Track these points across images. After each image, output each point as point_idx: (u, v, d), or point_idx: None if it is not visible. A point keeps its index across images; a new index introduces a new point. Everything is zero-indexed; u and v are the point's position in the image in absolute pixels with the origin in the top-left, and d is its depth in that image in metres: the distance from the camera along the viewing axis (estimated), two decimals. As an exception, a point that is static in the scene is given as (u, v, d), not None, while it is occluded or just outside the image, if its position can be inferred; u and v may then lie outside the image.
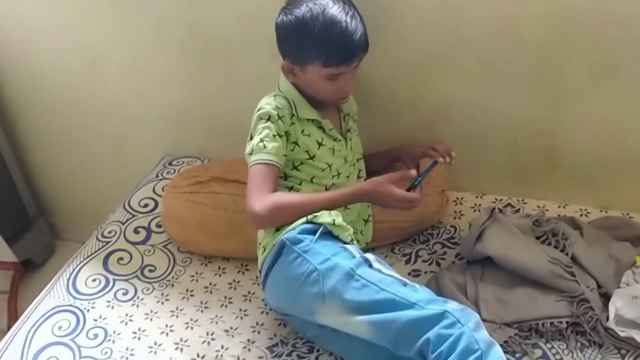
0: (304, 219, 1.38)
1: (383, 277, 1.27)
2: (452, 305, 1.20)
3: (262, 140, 1.42)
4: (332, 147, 1.52)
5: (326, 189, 1.51)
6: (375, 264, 1.30)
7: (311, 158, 1.49)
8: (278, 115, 1.44)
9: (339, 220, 1.38)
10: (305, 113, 1.49)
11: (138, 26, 1.91)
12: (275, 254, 1.40)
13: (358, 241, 1.49)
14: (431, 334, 1.16)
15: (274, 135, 1.43)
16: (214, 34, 1.83)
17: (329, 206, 1.40)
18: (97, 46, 1.99)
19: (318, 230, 1.36)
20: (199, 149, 2.08)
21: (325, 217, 1.38)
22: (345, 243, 1.37)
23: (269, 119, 1.43)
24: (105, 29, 1.95)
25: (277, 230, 1.42)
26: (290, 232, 1.37)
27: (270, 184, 1.41)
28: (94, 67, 2.03)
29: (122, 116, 2.13)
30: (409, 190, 1.45)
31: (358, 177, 1.61)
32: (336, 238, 1.38)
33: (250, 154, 1.43)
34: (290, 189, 1.50)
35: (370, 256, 1.32)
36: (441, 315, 1.17)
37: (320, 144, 1.50)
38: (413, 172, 1.44)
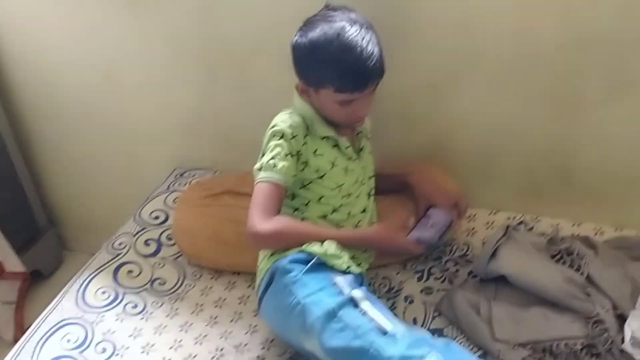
0: (295, 249, 1.37)
1: (364, 322, 1.22)
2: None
3: (273, 158, 1.40)
4: (346, 166, 1.50)
5: (334, 210, 1.49)
6: (363, 304, 1.26)
7: (321, 177, 1.48)
8: (292, 134, 1.42)
9: (332, 249, 1.36)
10: (321, 130, 1.47)
11: (153, 39, 1.92)
12: (267, 280, 1.39)
13: (359, 264, 1.46)
14: None
15: (286, 155, 1.41)
16: (228, 46, 1.83)
17: (347, 241, 1.41)
18: (112, 59, 2.00)
19: (310, 259, 1.34)
20: (211, 161, 2.07)
21: (316, 247, 1.36)
22: (342, 271, 1.35)
23: (282, 137, 1.42)
24: (120, 43, 1.96)
25: (272, 255, 1.42)
26: (282, 260, 1.37)
27: (276, 204, 1.40)
28: (108, 79, 2.05)
29: (134, 127, 2.13)
30: (422, 240, 1.46)
31: (369, 195, 1.59)
32: (330, 267, 1.35)
33: (260, 169, 1.42)
34: (296, 209, 1.49)
35: (358, 293, 1.28)
36: None
37: (333, 164, 1.48)
38: (411, 221, 1.47)
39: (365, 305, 1.26)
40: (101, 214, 2.40)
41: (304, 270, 1.32)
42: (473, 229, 1.74)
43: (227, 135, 2.01)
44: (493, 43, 1.58)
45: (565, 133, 1.65)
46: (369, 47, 1.36)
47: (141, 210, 1.90)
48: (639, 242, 1.59)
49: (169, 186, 1.99)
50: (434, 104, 1.73)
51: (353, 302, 1.26)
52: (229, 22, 1.79)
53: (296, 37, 1.42)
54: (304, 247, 1.36)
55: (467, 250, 1.67)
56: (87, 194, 2.40)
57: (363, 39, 1.35)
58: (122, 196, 2.28)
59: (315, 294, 1.28)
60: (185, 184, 1.97)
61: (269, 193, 1.40)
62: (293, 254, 1.37)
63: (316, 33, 1.37)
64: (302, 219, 1.48)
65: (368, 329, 1.21)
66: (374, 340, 1.19)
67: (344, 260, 1.37)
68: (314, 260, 1.33)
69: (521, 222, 1.72)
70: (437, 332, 1.45)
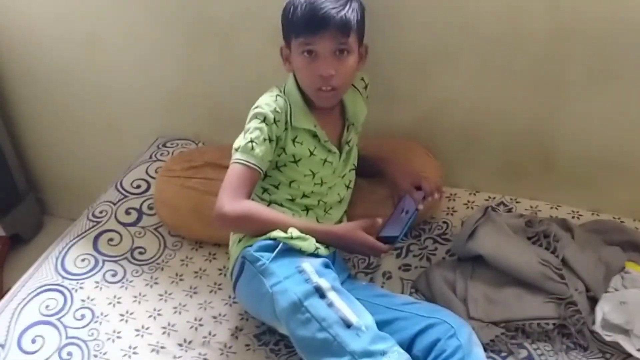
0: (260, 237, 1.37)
1: (329, 314, 1.22)
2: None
3: (251, 141, 1.39)
4: (325, 158, 1.48)
5: (304, 195, 1.49)
6: (329, 294, 1.25)
7: (296, 162, 1.46)
8: (274, 119, 1.40)
9: (297, 232, 1.36)
10: (301, 121, 1.44)
11: (135, 5, 1.89)
12: (239, 268, 1.40)
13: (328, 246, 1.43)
14: None
15: (265, 139, 1.39)
16: (212, 13, 1.81)
17: (307, 231, 1.39)
18: (94, 24, 1.98)
19: (277, 246, 1.34)
20: (194, 131, 2.06)
21: (281, 232, 1.35)
22: (311, 254, 1.35)
23: (264, 120, 1.40)
24: (102, 7, 1.93)
25: (240, 240, 1.43)
26: (249, 248, 1.37)
27: (247, 188, 1.40)
28: (89, 44, 2.02)
29: (117, 94, 2.11)
30: (387, 238, 1.43)
31: (348, 187, 1.58)
32: (298, 251, 1.35)
33: (237, 149, 1.40)
34: (266, 190, 1.49)
35: (324, 283, 1.26)
36: None
37: (311, 153, 1.46)
38: (379, 220, 1.41)
39: (332, 295, 1.25)
40: (82, 179, 2.38)
41: (271, 258, 1.33)
42: (453, 208, 1.76)
43: (210, 107, 2.00)
44: (480, 24, 1.58)
45: (547, 117, 1.67)
46: (338, 0, 1.35)
47: (123, 178, 1.88)
48: (614, 226, 1.62)
49: (151, 155, 1.97)
50: (418, 83, 1.73)
51: (319, 292, 1.25)
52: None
53: None
54: (269, 233, 1.36)
55: (446, 229, 1.69)
56: (68, 159, 2.39)
57: None
58: (104, 162, 2.27)
59: (282, 283, 1.28)
60: (167, 154, 1.96)
61: (242, 176, 1.39)
62: (259, 241, 1.37)
63: None
64: (270, 201, 1.48)
65: (333, 321, 1.21)
66: (338, 333, 1.20)
67: (310, 242, 1.37)
68: (279, 246, 1.34)
69: (500, 203, 1.75)
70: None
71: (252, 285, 1.36)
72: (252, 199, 1.46)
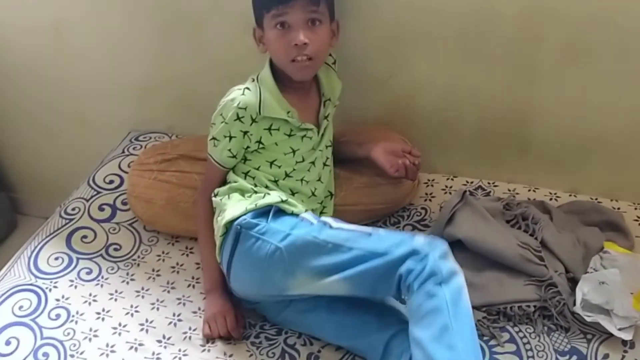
0: (252, 205, 1.38)
1: (348, 234, 1.27)
2: (419, 240, 1.22)
3: (214, 138, 1.46)
4: (304, 134, 1.49)
5: (286, 175, 1.49)
6: (335, 224, 1.31)
7: (276, 143, 1.47)
8: (237, 115, 1.42)
9: (287, 197, 1.42)
10: (273, 111, 1.44)
11: (103, -2, 1.85)
12: (232, 243, 1.39)
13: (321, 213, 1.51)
14: (402, 269, 1.20)
15: (225, 136, 1.44)
16: (182, 6, 1.78)
17: (202, 263, 1.54)
18: (62, 16, 1.93)
19: (269, 211, 1.38)
20: (168, 124, 2.03)
21: (273, 197, 1.40)
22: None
23: (230, 116, 1.43)
24: (70, 1, 1.88)
25: (221, 213, 1.43)
26: (244, 217, 1.38)
27: (214, 183, 1.51)
28: (58, 37, 1.97)
29: (87, 88, 2.07)
30: None
31: (325, 164, 1.57)
32: (291, 214, 1.39)
33: (210, 140, 1.47)
34: (247, 174, 1.48)
35: (327, 219, 1.33)
36: (410, 253, 1.21)
37: (289, 135, 1.47)
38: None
39: (338, 223, 1.31)
40: (55, 176, 2.34)
41: (269, 220, 1.36)
42: (431, 193, 1.75)
43: (183, 98, 1.97)
44: (451, 6, 1.57)
45: (522, 98, 1.66)
46: None
47: (95, 174, 1.85)
48: (592, 207, 1.63)
49: (124, 150, 1.94)
50: (392, 67, 1.71)
51: (327, 225, 1.31)
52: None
53: None
54: (258, 204, 1.39)
55: (424, 215, 1.68)
56: (40, 156, 2.34)
57: None
58: (77, 159, 2.23)
59: (290, 234, 1.31)
60: (140, 148, 1.93)
61: (211, 172, 1.51)
62: (251, 212, 1.38)
63: None
64: (255, 184, 1.47)
65: (355, 237, 1.27)
66: (366, 244, 1.24)
67: (300, 208, 1.42)
68: (273, 209, 1.38)
69: (478, 187, 1.74)
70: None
71: (253, 252, 1.35)
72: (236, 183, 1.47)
